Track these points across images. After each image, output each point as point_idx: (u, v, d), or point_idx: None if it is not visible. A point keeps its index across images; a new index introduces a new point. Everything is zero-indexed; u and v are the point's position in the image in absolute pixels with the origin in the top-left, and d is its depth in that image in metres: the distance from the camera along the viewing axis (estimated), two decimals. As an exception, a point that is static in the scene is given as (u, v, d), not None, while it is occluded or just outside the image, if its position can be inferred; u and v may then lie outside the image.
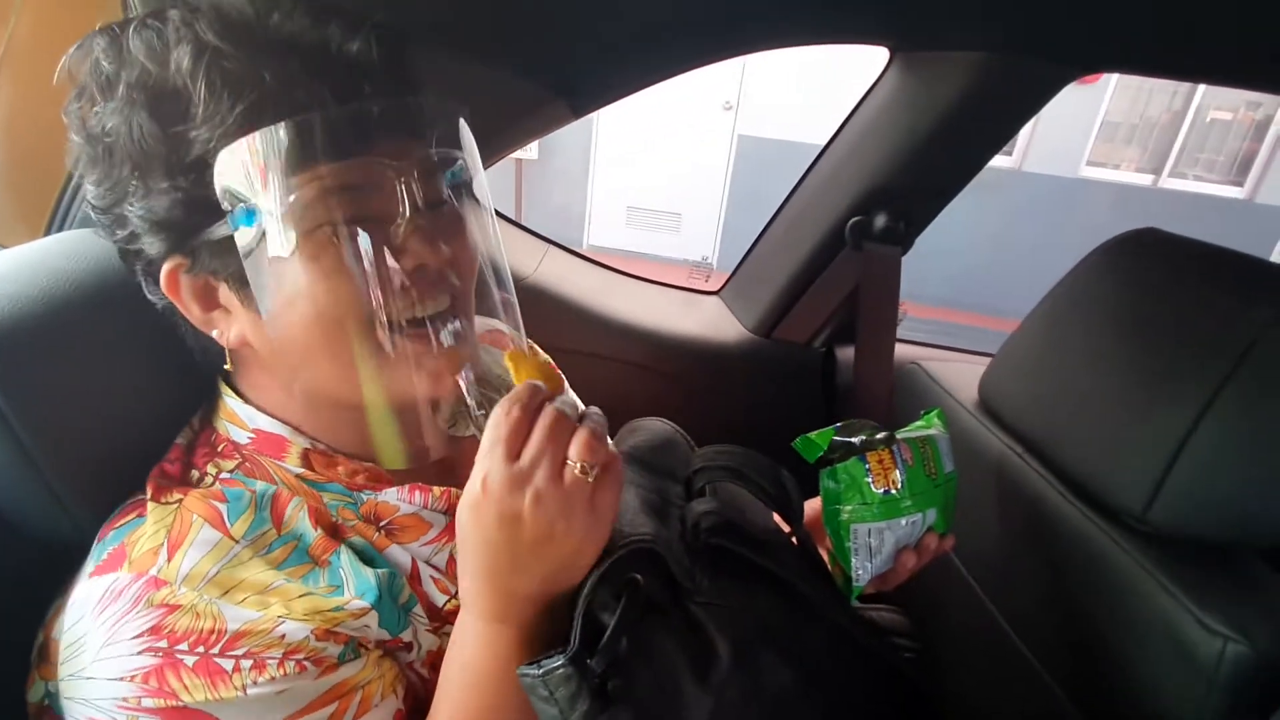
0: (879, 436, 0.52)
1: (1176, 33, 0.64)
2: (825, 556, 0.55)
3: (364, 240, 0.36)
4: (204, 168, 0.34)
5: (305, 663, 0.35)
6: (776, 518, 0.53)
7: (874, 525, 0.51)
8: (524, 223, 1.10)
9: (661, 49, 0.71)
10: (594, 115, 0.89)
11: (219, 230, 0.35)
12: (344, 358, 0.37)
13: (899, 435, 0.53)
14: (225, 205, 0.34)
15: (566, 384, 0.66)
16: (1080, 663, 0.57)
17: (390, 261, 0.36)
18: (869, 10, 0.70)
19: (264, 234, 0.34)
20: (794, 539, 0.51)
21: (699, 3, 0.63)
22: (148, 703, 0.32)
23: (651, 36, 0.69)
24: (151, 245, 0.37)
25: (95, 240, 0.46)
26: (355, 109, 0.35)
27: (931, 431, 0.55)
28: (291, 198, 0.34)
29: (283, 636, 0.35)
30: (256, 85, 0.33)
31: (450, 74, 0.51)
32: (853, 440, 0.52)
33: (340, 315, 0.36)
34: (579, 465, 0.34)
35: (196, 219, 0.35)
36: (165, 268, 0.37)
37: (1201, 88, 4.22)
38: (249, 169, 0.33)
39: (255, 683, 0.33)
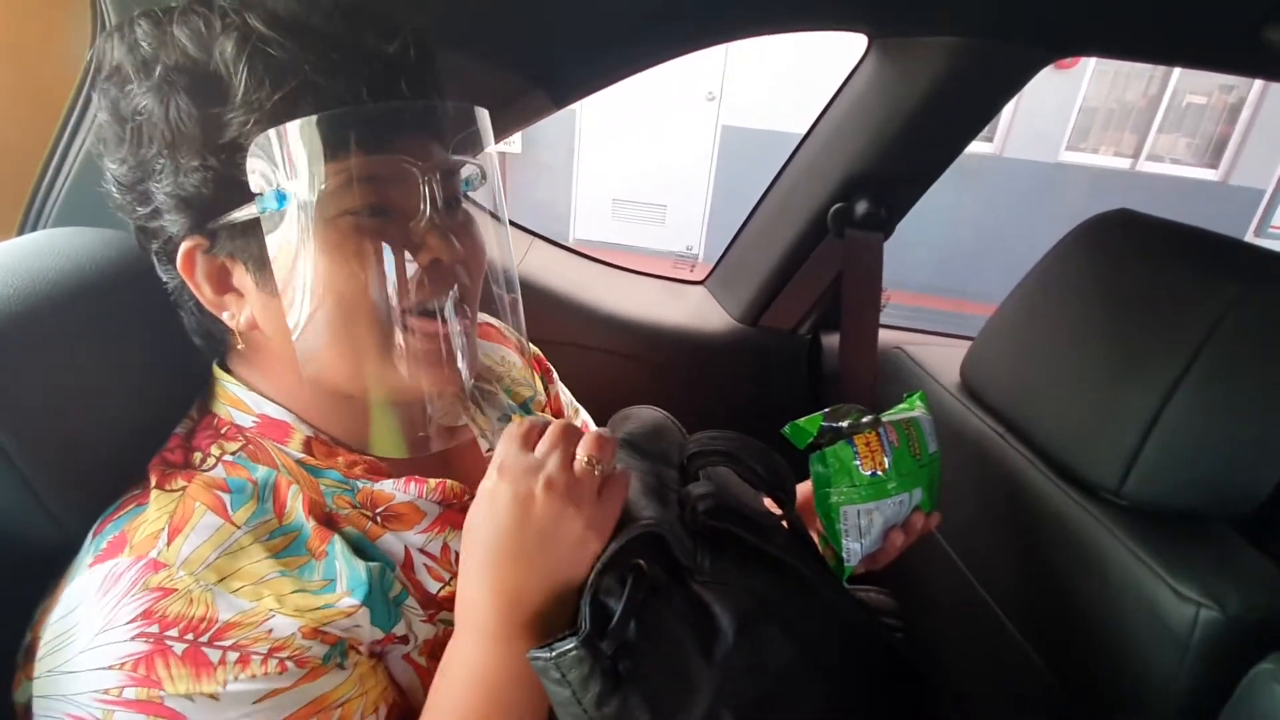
0: (865, 420, 0.53)
1: (1150, 16, 0.65)
2: (816, 539, 0.56)
3: (385, 231, 0.38)
4: (236, 150, 0.35)
5: (287, 662, 0.35)
6: (767, 501, 0.54)
7: (863, 506, 0.52)
8: (509, 217, 1.09)
9: (640, 38, 0.71)
10: (576, 108, 0.88)
11: (244, 212, 0.36)
12: (353, 343, 0.39)
13: (884, 418, 0.54)
14: (255, 188, 0.36)
15: (555, 375, 0.66)
16: (1061, 634, 0.58)
17: (408, 254, 0.39)
18: None
19: (290, 218, 0.36)
20: (785, 522, 0.52)
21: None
22: (129, 694, 0.32)
23: (630, 25, 0.68)
24: (173, 223, 0.38)
25: (71, 238, 0.45)
26: (389, 107, 0.37)
27: (915, 413, 0.56)
28: (321, 185, 0.36)
29: (270, 631, 0.35)
30: (297, 75, 0.35)
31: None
32: (840, 425, 0.53)
33: (355, 301, 0.38)
34: (587, 458, 0.38)
35: (223, 199, 0.37)
36: (183, 247, 0.38)
37: (1177, 72, 4.28)
38: (283, 155, 0.35)
39: (237, 678, 0.33)
